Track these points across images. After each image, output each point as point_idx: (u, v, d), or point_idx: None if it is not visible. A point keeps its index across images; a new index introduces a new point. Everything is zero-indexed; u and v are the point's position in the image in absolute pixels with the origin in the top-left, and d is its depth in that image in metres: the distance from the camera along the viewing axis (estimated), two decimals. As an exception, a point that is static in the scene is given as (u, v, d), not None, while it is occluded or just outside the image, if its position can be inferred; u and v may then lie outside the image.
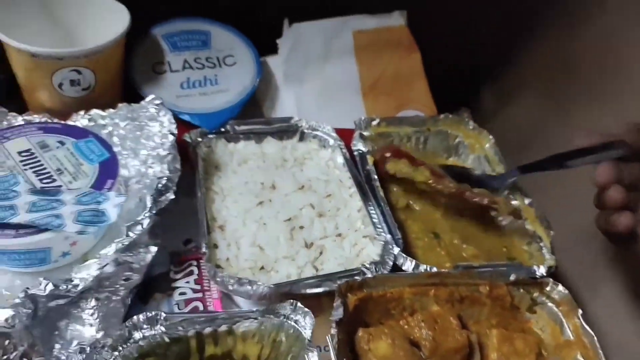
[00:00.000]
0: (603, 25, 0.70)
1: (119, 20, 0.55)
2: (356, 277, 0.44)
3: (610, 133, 0.45)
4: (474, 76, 0.83)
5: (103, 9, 0.57)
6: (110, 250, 0.40)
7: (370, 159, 0.57)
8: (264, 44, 0.66)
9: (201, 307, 0.44)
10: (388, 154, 0.56)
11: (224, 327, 0.39)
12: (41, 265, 0.43)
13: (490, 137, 0.63)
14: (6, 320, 0.35)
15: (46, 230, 0.41)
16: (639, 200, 0.42)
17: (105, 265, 0.39)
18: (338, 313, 0.41)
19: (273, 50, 0.68)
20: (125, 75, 0.59)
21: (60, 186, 0.45)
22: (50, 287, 0.37)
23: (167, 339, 0.38)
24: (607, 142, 0.44)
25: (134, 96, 0.58)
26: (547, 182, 0.56)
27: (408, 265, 0.47)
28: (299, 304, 0.40)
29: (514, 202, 0.57)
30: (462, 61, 0.79)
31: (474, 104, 0.80)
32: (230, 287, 0.42)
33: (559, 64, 0.76)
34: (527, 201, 0.56)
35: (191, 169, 0.54)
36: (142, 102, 0.53)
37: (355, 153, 0.58)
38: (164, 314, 0.39)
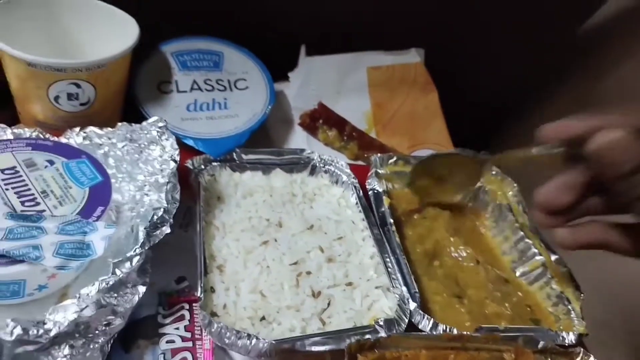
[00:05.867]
0: (628, 71, 0.68)
1: (126, 34, 0.51)
2: (368, 336, 0.39)
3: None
4: (492, 117, 0.80)
5: (110, 20, 0.53)
6: (92, 289, 0.35)
7: (386, 201, 0.52)
8: (279, 68, 0.63)
9: (190, 359, 0.39)
10: (320, 121, 0.59)
11: (215, 388, 0.34)
12: (13, 298, 0.37)
13: (515, 185, 0.58)
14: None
15: (22, 261, 0.36)
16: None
17: (84, 308, 0.34)
18: (347, 378, 0.36)
19: (287, 76, 0.64)
20: (128, 92, 0.55)
21: (43, 211, 0.40)
22: (18, 330, 0.32)
23: (148, 399, 0.33)
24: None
25: (136, 115, 0.54)
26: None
27: (425, 324, 0.43)
28: (303, 366, 0.35)
29: (537, 258, 0.52)
30: (480, 102, 0.76)
31: (492, 146, 0.76)
32: (226, 341, 0.37)
33: (582, 109, 0.73)
34: (553, 257, 0.52)
35: (191, 198, 0.49)
36: (144, 123, 0.48)
37: (370, 192, 0.54)
38: (147, 370, 0.33)
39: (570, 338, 0.45)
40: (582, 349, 0.44)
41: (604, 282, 0.49)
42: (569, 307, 0.49)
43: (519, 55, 0.72)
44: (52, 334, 0.33)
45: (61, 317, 0.34)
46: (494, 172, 0.60)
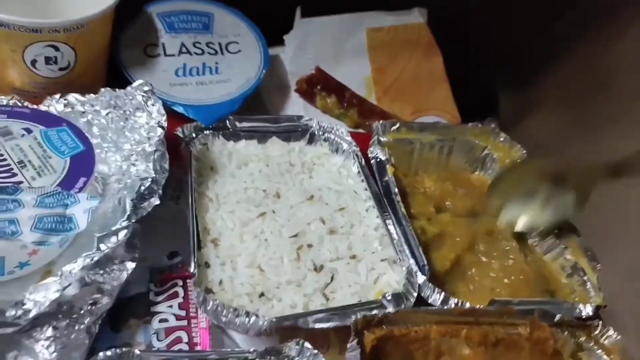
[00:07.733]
0: (635, 40, 0.65)
1: (108, -9, 0.47)
2: (375, 311, 0.37)
3: None
4: (498, 83, 0.77)
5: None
6: (75, 266, 0.32)
7: (390, 169, 0.49)
8: (274, 31, 0.59)
9: (185, 339, 0.36)
10: (318, 87, 0.56)
11: (212, 370, 0.32)
12: (-8, 277, 0.35)
13: (524, 151, 0.56)
14: None
15: (-3, 237, 0.33)
16: None
17: (67, 287, 0.31)
18: (354, 357, 0.33)
19: (282, 40, 0.61)
20: (112, 56, 0.51)
21: (20, 182, 0.37)
22: (-7, 312, 0.29)
23: (140, 383, 0.31)
24: None
25: (121, 81, 0.50)
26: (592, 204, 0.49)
27: (435, 298, 0.40)
28: (306, 345, 0.33)
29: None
30: (486, 67, 0.73)
31: (497, 112, 0.73)
32: (223, 319, 0.34)
33: (590, 79, 0.70)
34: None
35: (182, 168, 0.46)
36: (129, 88, 0.45)
37: (373, 161, 0.50)
38: (137, 351, 0.31)
39: (587, 310, 0.43)
40: (600, 322, 0.42)
41: (625, 253, 0.46)
42: (585, 278, 0.46)
43: (525, 19, 0.69)
44: (31, 314, 0.30)
45: (42, 296, 0.31)
46: (501, 139, 0.57)
